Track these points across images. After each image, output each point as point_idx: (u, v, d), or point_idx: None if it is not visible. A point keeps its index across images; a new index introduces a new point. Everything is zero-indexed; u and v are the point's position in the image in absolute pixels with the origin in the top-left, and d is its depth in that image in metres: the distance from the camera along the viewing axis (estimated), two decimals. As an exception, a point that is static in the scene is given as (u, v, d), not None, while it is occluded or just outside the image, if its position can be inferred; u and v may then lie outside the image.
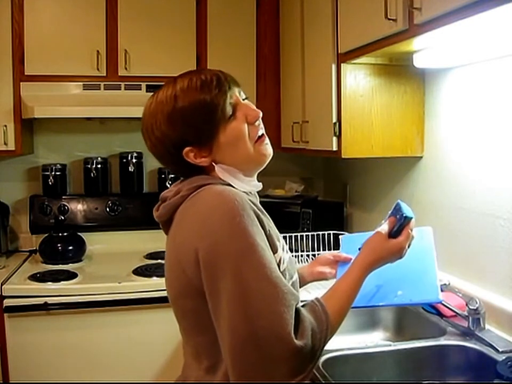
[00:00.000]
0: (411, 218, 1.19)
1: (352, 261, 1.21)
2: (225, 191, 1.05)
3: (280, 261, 1.08)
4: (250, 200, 1.08)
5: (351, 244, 1.40)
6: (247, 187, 1.15)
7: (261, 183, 1.20)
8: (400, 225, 1.19)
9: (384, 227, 1.21)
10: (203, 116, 1.08)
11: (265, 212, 1.14)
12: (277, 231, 1.16)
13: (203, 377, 1.08)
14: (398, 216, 1.20)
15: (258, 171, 1.20)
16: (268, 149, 1.17)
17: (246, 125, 1.12)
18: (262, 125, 1.17)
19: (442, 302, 1.57)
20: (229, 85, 1.11)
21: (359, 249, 1.21)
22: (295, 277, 1.17)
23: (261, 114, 1.15)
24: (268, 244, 1.04)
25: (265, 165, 1.18)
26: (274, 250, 1.07)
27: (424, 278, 1.31)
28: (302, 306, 1.05)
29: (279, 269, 1.06)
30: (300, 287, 1.38)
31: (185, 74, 1.13)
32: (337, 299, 1.09)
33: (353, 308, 1.14)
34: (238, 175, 1.14)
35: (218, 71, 1.13)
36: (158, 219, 1.17)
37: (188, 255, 1.03)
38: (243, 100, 1.15)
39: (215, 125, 1.09)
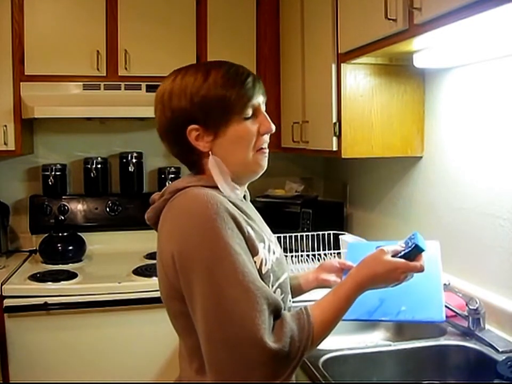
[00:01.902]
0: (422, 250, 1.15)
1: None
2: (200, 194, 1.04)
3: (261, 263, 1.07)
4: (230, 201, 1.08)
5: (357, 251, 1.38)
6: (227, 192, 1.12)
7: (239, 192, 1.17)
8: (408, 252, 1.15)
9: (388, 247, 1.17)
10: (224, 102, 1.08)
11: (248, 213, 1.14)
12: (262, 232, 1.15)
13: (194, 378, 1.08)
14: (409, 243, 1.16)
15: (248, 182, 1.19)
16: (265, 161, 1.17)
17: (256, 133, 1.13)
18: (268, 140, 1.18)
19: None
20: (262, 90, 1.14)
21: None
22: (283, 278, 1.16)
23: (273, 130, 1.16)
24: (245, 247, 1.03)
25: (256, 176, 1.18)
26: (254, 253, 1.06)
27: (429, 295, 1.27)
28: (291, 311, 1.05)
29: (261, 271, 1.06)
30: (304, 292, 1.38)
31: (224, 62, 1.14)
32: (326, 310, 1.06)
33: (355, 321, 1.12)
34: (226, 176, 1.12)
35: (256, 75, 1.16)
36: (148, 222, 1.18)
37: (167, 259, 1.04)
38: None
39: (230, 114, 1.10)
